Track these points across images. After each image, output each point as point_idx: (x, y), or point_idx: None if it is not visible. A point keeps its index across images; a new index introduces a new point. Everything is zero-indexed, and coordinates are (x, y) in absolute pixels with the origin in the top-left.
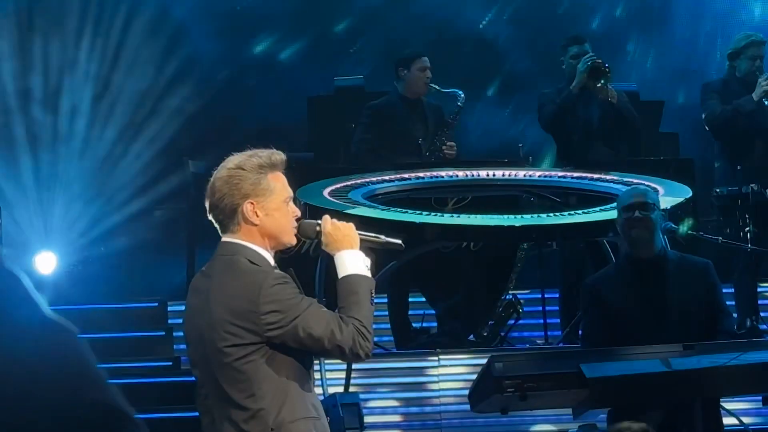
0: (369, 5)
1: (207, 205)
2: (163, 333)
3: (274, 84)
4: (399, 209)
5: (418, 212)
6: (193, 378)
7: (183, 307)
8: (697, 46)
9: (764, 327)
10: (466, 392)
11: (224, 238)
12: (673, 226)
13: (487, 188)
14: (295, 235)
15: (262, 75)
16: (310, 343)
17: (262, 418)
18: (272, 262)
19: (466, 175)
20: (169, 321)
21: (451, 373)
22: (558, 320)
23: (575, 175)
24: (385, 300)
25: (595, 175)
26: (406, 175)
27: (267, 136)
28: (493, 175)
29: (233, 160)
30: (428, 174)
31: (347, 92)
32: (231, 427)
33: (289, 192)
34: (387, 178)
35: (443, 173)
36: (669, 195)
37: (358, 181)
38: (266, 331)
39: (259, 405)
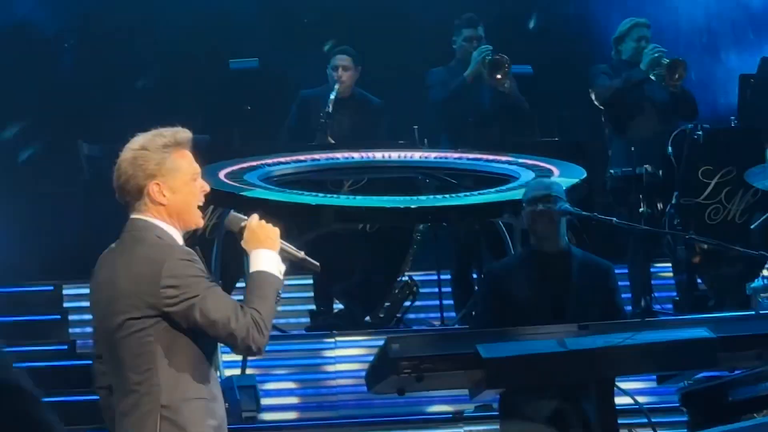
0: None
1: (115, 187)
2: (59, 317)
3: (172, 66)
4: (295, 191)
5: (313, 194)
6: (89, 362)
7: (78, 290)
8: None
9: (657, 307)
10: (363, 374)
11: (133, 216)
12: (569, 207)
13: (383, 170)
14: (217, 223)
15: (159, 57)
16: (205, 324)
17: (155, 394)
18: (181, 241)
19: (362, 157)
20: (65, 304)
21: (348, 355)
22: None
23: (470, 156)
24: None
25: (491, 157)
26: (302, 157)
27: (162, 118)
28: (389, 156)
29: (138, 140)
30: (324, 156)
31: (242, 75)
32: (125, 400)
33: (196, 169)
34: (283, 160)
35: (339, 155)
36: (564, 176)
37: (254, 163)
38: (164, 306)
39: (154, 381)
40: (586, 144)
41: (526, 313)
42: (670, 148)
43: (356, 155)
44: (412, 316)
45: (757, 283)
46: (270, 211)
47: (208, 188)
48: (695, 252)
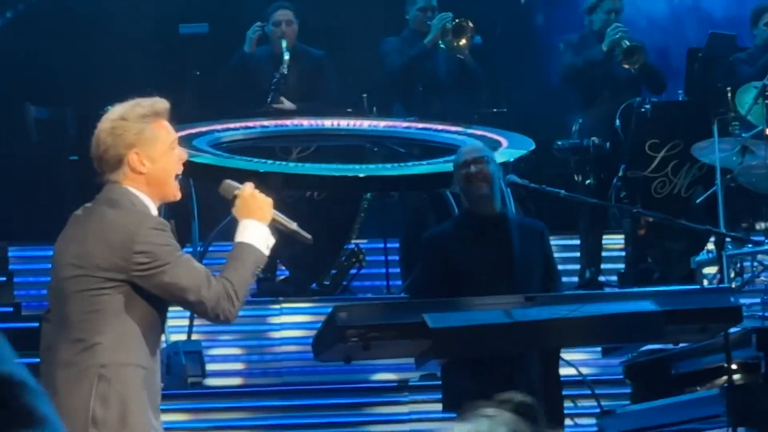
0: None
1: (93, 157)
2: (4, 278)
3: (120, 30)
4: (243, 157)
5: (262, 161)
6: (35, 324)
7: (24, 253)
8: None
9: (603, 279)
10: (309, 341)
11: (110, 181)
12: (517, 179)
13: (332, 138)
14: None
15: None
16: (176, 292)
17: (95, 352)
18: (155, 212)
19: (311, 125)
20: (10, 266)
21: (294, 322)
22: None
23: (419, 126)
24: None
25: (440, 126)
26: (251, 124)
27: (113, 84)
28: (338, 124)
29: (116, 111)
30: (273, 122)
31: (192, 40)
32: (64, 354)
33: (174, 137)
34: (232, 126)
35: (288, 122)
36: (513, 147)
37: (203, 129)
38: (133, 272)
39: (97, 339)
40: (535, 115)
41: (466, 277)
42: (617, 121)
43: (305, 123)
44: (357, 284)
45: (701, 256)
46: (218, 177)
47: (186, 156)
48: (641, 225)
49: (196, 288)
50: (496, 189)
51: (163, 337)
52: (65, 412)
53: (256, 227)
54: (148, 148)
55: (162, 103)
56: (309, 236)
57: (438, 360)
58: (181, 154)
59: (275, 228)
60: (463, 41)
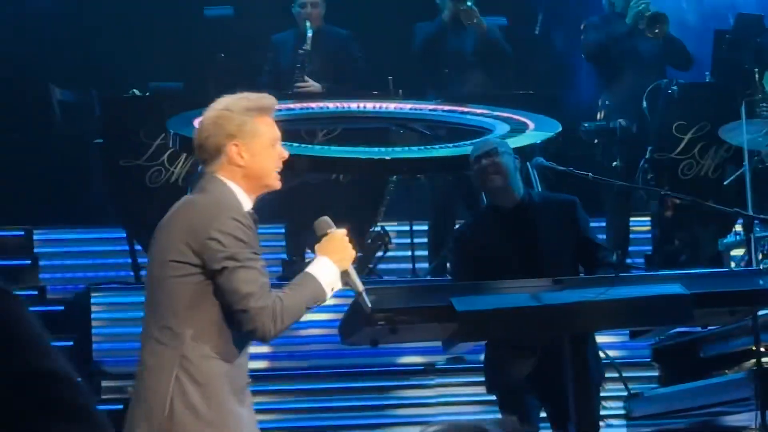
0: None
1: (195, 145)
2: (29, 262)
3: (144, 13)
4: None
5: (288, 143)
6: (60, 307)
7: (48, 236)
8: None
9: (630, 261)
10: (334, 323)
11: (206, 171)
12: (543, 161)
13: (358, 120)
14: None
15: (133, 3)
16: (226, 289)
17: (179, 342)
18: (248, 206)
19: (337, 107)
20: (35, 250)
21: (320, 305)
22: (426, 252)
23: (445, 108)
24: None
25: (465, 109)
26: (277, 107)
27: (138, 66)
28: (364, 107)
29: (223, 101)
30: (299, 105)
31: (217, 22)
32: (150, 342)
33: (276, 134)
34: None
35: (313, 104)
36: (539, 130)
37: None
38: (204, 257)
39: (181, 329)
40: (561, 97)
41: (495, 269)
42: (644, 103)
43: (331, 105)
44: (384, 266)
45: (729, 239)
46: None
47: (287, 155)
48: (668, 207)
49: (246, 295)
50: (512, 178)
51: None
52: (150, 395)
53: (330, 268)
54: (249, 141)
55: (269, 99)
56: (370, 305)
57: (465, 343)
58: (282, 152)
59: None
60: (465, 6)
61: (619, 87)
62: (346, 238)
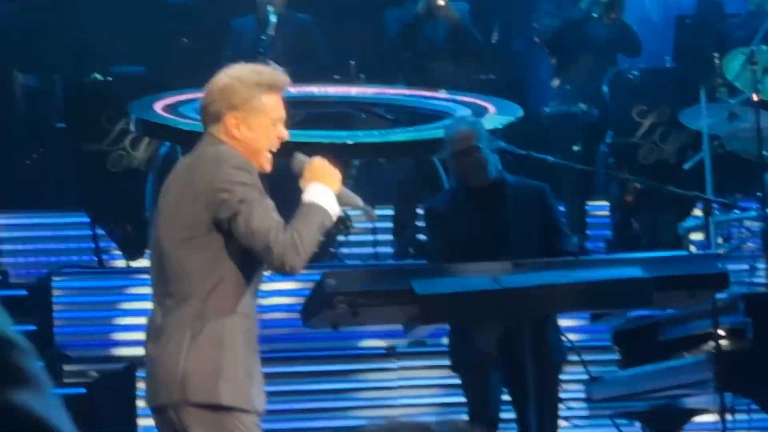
0: None
1: (200, 104)
2: None
3: None
4: None
5: None
6: (23, 291)
7: (10, 220)
8: None
9: (590, 245)
10: (296, 307)
11: (209, 134)
12: (504, 144)
13: (320, 105)
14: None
15: None
16: (245, 233)
17: (193, 301)
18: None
19: (299, 92)
20: None
21: (282, 289)
22: (390, 237)
23: (408, 92)
24: None
25: (428, 93)
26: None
27: (102, 52)
28: (326, 91)
29: (236, 69)
30: None
31: (180, 7)
32: (162, 305)
33: (280, 114)
34: None
35: None
36: (501, 114)
37: (190, 96)
38: (215, 211)
39: (195, 288)
40: (521, 80)
41: (470, 246)
42: (605, 88)
43: (293, 89)
44: (345, 250)
45: (689, 223)
46: None
47: (286, 136)
48: (628, 191)
49: (266, 231)
50: (489, 163)
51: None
52: (165, 355)
53: (324, 191)
54: (249, 115)
55: (282, 78)
56: (374, 213)
57: (425, 326)
58: (282, 132)
59: (342, 203)
60: (440, 2)
61: (574, 72)
62: (326, 161)
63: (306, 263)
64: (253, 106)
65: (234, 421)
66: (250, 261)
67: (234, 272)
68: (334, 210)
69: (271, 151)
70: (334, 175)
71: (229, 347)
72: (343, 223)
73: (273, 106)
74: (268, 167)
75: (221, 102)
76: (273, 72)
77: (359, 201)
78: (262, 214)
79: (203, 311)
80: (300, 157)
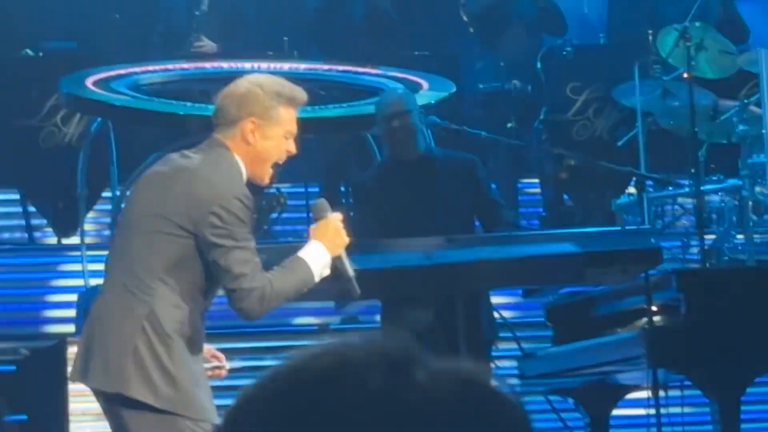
0: None
1: (216, 104)
2: None
3: None
4: (163, 100)
5: (182, 103)
6: None
7: None
8: None
9: (524, 222)
10: None
11: (216, 135)
12: (438, 120)
13: None
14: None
15: None
16: (220, 265)
17: (150, 295)
18: (244, 181)
19: (231, 67)
20: None
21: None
22: None
23: (340, 68)
24: None
25: (360, 69)
26: (170, 66)
27: (31, 25)
28: (258, 67)
29: (260, 77)
30: (192, 65)
31: None
32: (116, 288)
33: (293, 129)
34: (151, 68)
35: (207, 65)
36: (433, 90)
37: (122, 72)
38: (202, 229)
39: (155, 283)
40: (456, 57)
41: (399, 222)
42: (539, 64)
43: (225, 65)
44: (278, 228)
45: (622, 199)
46: (138, 119)
47: (294, 151)
48: (562, 168)
49: (238, 276)
50: (419, 135)
51: (82, 281)
52: (110, 339)
53: (322, 253)
54: (265, 124)
55: (301, 94)
56: (358, 291)
57: (357, 302)
58: (290, 146)
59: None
60: None
61: (500, 47)
62: (340, 224)
63: (265, 314)
64: (271, 116)
65: (178, 426)
66: (211, 276)
67: (195, 280)
68: (322, 274)
69: (273, 166)
70: (342, 240)
71: (177, 348)
72: (277, 200)
73: (289, 119)
74: (267, 181)
75: (240, 107)
76: (294, 87)
77: (351, 273)
78: (241, 257)
79: (160, 309)
80: (323, 205)
